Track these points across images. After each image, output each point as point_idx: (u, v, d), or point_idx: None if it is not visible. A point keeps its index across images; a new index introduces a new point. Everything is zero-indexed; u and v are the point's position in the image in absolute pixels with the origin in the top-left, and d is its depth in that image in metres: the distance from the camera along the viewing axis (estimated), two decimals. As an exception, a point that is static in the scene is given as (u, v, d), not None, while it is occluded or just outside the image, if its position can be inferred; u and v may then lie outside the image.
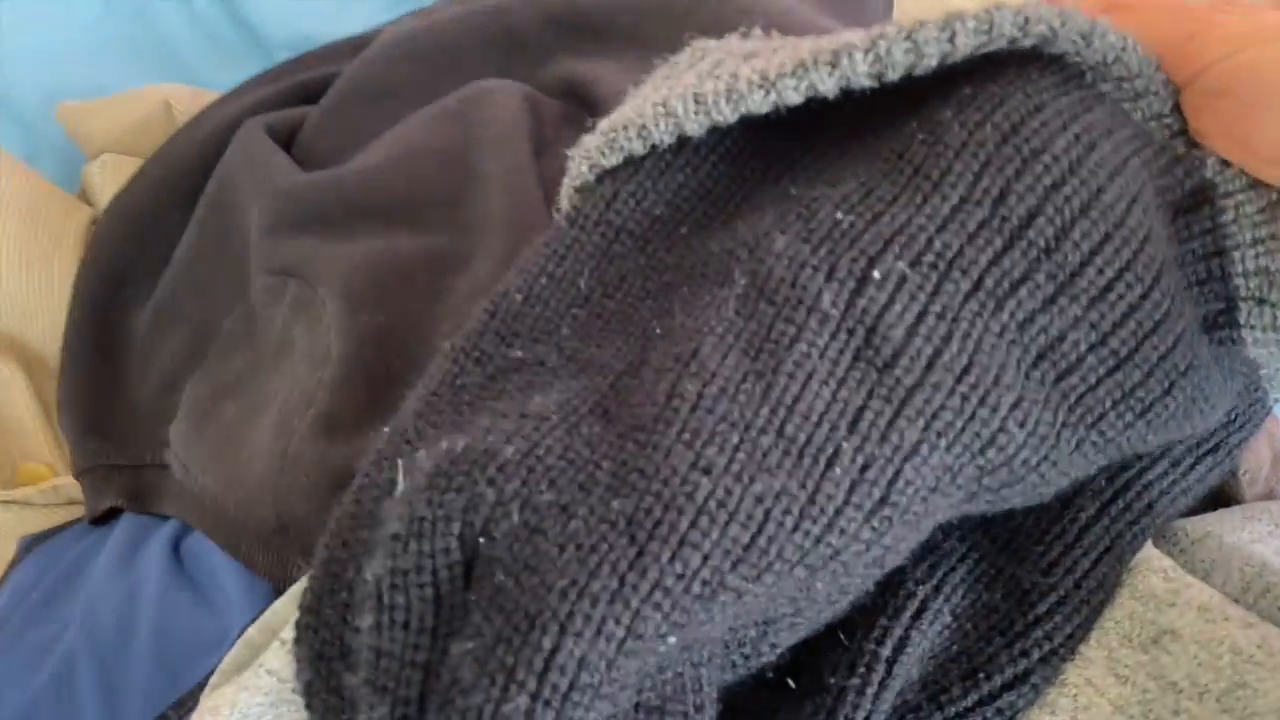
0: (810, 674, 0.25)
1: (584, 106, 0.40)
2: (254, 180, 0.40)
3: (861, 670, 0.24)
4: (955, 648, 0.26)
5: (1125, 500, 0.27)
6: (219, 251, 0.42)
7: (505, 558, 0.21)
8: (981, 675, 0.25)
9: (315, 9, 0.60)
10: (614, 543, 0.21)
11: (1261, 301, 0.24)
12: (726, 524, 0.20)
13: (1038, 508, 0.27)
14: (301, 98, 0.46)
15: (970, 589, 0.26)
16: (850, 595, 0.24)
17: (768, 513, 0.21)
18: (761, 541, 0.20)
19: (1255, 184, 0.24)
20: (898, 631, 0.25)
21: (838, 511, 0.21)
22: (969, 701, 0.25)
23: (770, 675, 0.25)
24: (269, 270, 0.38)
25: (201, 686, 0.35)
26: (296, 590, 0.31)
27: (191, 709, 0.35)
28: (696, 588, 0.20)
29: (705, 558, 0.20)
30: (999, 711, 0.25)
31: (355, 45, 0.49)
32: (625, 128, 0.27)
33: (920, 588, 0.25)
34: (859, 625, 0.25)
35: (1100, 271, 0.23)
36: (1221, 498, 0.32)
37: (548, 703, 0.19)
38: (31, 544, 0.44)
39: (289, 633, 0.27)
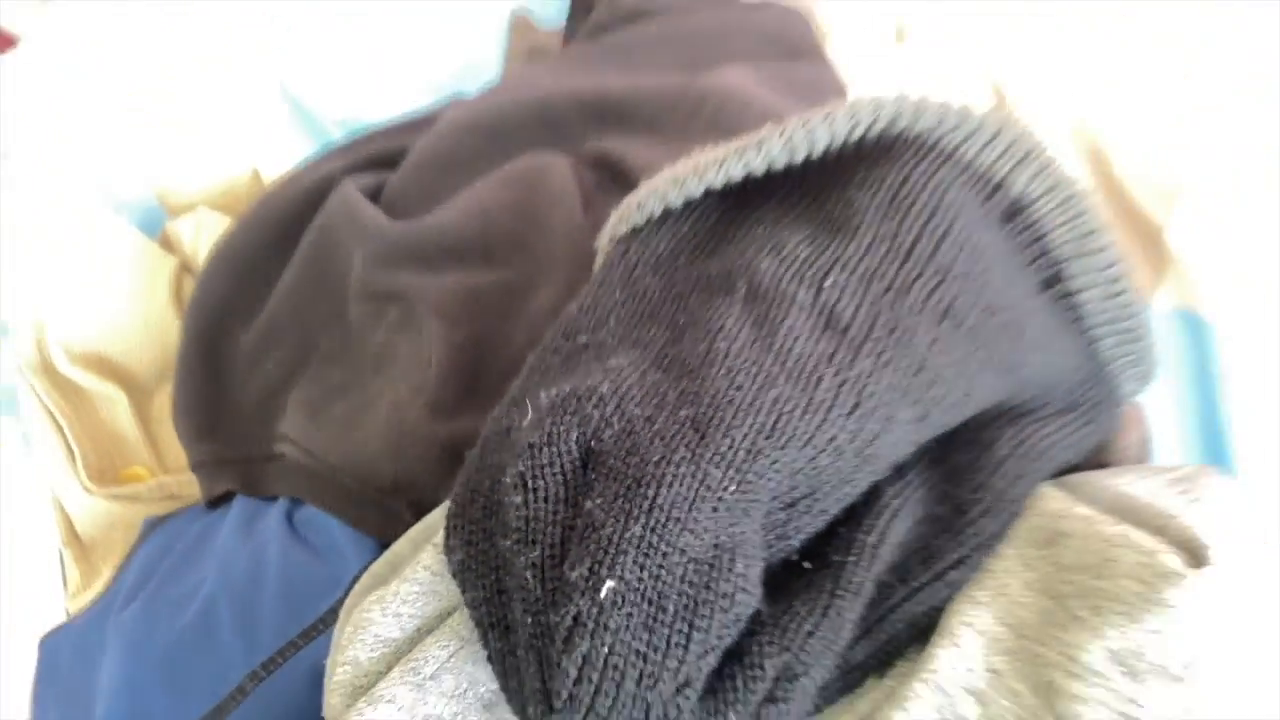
0: (819, 558, 0.36)
1: (614, 176, 0.52)
2: (354, 228, 0.51)
3: (855, 552, 0.35)
4: (915, 543, 0.37)
5: (1026, 446, 0.39)
6: (318, 286, 0.52)
7: (612, 450, 0.32)
8: (934, 560, 0.36)
9: (359, 94, 0.71)
10: (685, 433, 0.32)
11: (1077, 256, 0.37)
12: (755, 415, 0.32)
13: (969, 450, 0.38)
14: (377, 165, 0.57)
15: (924, 504, 0.37)
16: (849, 488, 0.35)
17: (780, 408, 0.32)
18: (780, 424, 0.32)
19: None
20: (879, 528, 0.36)
21: (828, 409, 0.33)
22: (926, 578, 0.36)
23: (794, 559, 0.36)
24: (370, 298, 0.49)
25: (323, 619, 0.45)
26: (431, 518, 0.41)
27: (315, 637, 0.45)
28: (742, 453, 0.32)
29: (745, 434, 0.32)
30: (947, 584, 0.36)
31: (415, 125, 0.61)
32: (639, 205, 0.40)
33: (893, 501, 0.37)
34: (854, 524, 0.36)
35: (965, 268, 0.36)
36: (1101, 469, 0.44)
37: (654, 529, 0.30)
38: (155, 524, 0.53)
39: (439, 538, 0.37)
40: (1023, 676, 0.35)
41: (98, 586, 0.53)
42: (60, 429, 0.57)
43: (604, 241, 0.42)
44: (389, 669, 0.37)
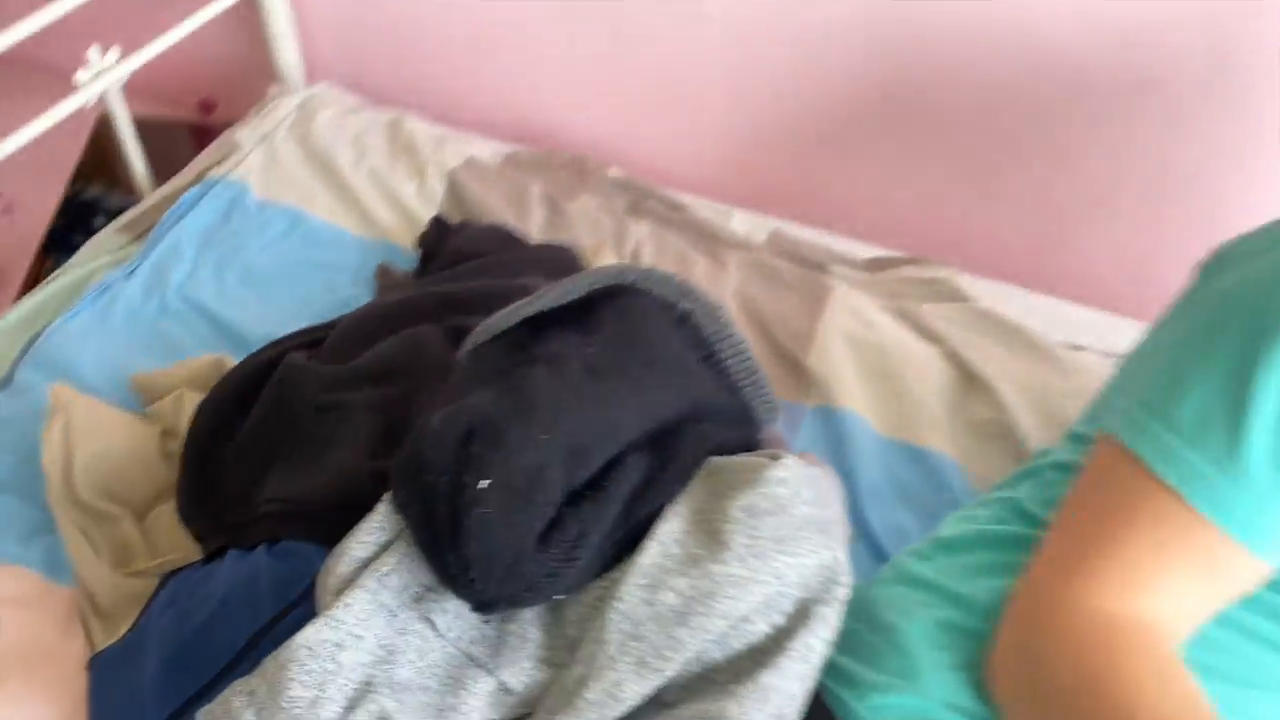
0: (595, 488, 0.68)
1: (460, 337, 0.86)
2: (305, 375, 0.83)
3: (612, 482, 0.68)
4: (643, 481, 0.70)
5: (702, 437, 0.74)
6: (279, 416, 0.83)
7: (480, 425, 0.65)
8: (653, 488, 0.70)
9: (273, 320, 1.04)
10: (518, 415, 0.65)
11: (719, 340, 0.74)
12: (552, 408, 0.66)
13: (673, 437, 0.73)
14: (304, 346, 0.90)
15: (648, 462, 0.71)
16: (606, 450, 0.68)
17: (565, 405, 0.66)
18: (566, 411, 0.66)
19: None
20: (624, 474, 0.69)
21: (589, 407, 0.67)
22: (651, 496, 0.69)
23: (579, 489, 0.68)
24: (320, 409, 0.81)
25: (306, 589, 0.73)
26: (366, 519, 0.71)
27: (301, 602, 0.73)
28: (548, 421, 0.65)
29: (549, 415, 0.65)
30: (662, 498, 0.69)
31: (323, 326, 0.94)
32: (484, 330, 0.75)
33: (630, 458, 0.70)
34: (610, 471, 0.69)
35: (657, 345, 0.72)
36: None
37: (509, 455, 0.63)
38: (168, 577, 0.79)
39: (388, 495, 0.68)
40: (701, 531, 0.68)
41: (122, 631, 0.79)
42: (88, 538, 0.83)
43: (462, 354, 0.76)
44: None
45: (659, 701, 0.66)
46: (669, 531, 0.68)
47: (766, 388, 0.80)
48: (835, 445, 0.98)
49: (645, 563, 0.67)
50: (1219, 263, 0.71)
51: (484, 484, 0.63)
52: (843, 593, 0.68)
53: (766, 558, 0.65)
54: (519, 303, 0.77)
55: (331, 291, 1.10)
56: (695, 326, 0.78)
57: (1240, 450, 0.60)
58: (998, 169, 1.20)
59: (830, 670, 0.72)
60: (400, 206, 1.20)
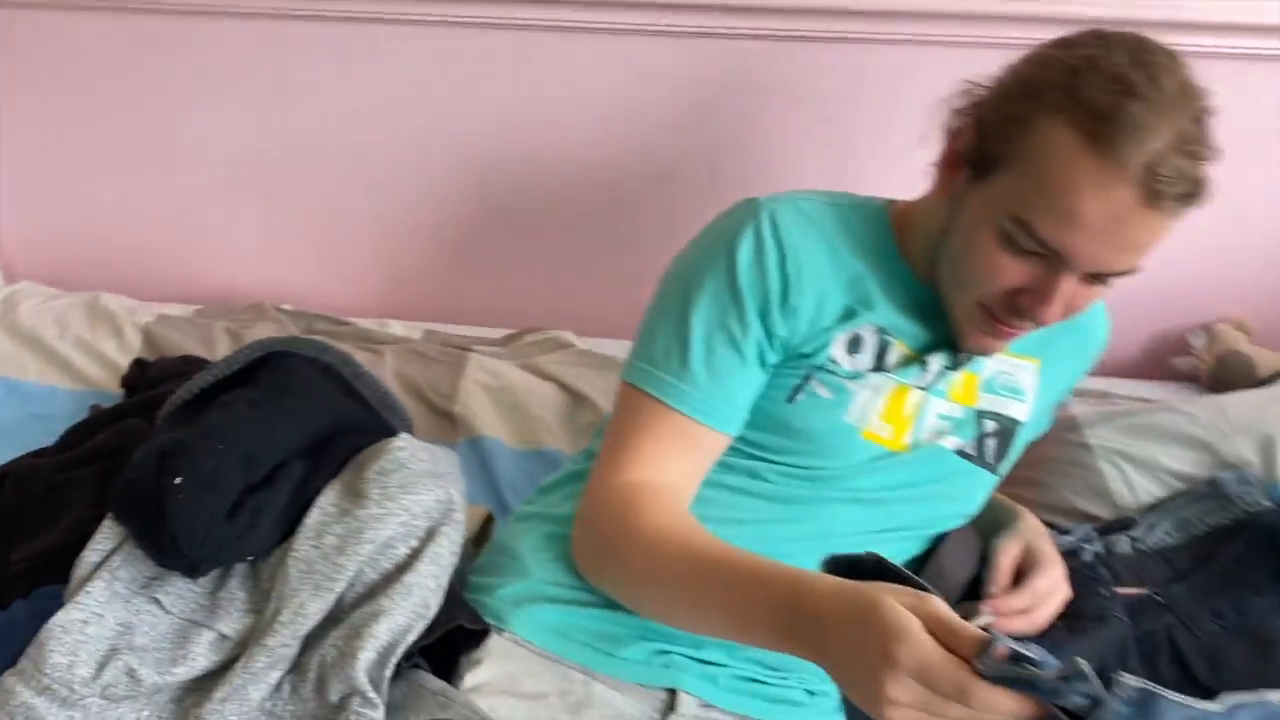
0: (267, 483, 0.95)
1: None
2: (33, 466, 1.05)
3: (282, 480, 0.95)
4: (302, 481, 0.98)
5: (346, 444, 1.02)
6: (16, 500, 1.05)
7: (175, 449, 0.92)
8: (311, 484, 0.97)
9: None
10: (194, 435, 0.92)
11: (354, 379, 1.04)
12: (230, 428, 0.93)
13: (320, 449, 1.01)
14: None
15: (302, 469, 0.99)
16: (274, 455, 0.96)
17: (244, 420, 0.94)
18: (243, 426, 0.94)
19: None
20: (288, 474, 0.96)
21: (264, 420, 0.95)
22: (308, 495, 0.97)
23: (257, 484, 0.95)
24: (50, 487, 1.03)
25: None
26: (105, 524, 0.94)
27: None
28: (227, 439, 0.93)
29: (229, 431, 0.93)
30: (316, 492, 0.97)
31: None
32: (172, 401, 1.02)
33: (294, 462, 0.98)
34: (277, 472, 0.96)
35: (305, 392, 1.02)
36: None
37: (198, 459, 0.90)
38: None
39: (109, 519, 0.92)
40: (349, 493, 0.95)
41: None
42: None
43: (161, 416, 1.02)
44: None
45: (336, 618, 0.92)
46: (326, 500, 0.96)
47: (399, 407, 1.11)
48: (482, 462, 1.29)
49: (310, 522, 0.94)
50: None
51: (178, 480, 0.89)
52: (458, 516, 0.98)
53: (396, 499, 0.95)
54: (199, 374, 1.04)
55: (53, 436, 1.31)
56: (336, 372, 1.08)
57: (688, 364, 0.95)
58: (587, 251, 1.59)
59: (473, 588, 1.02)
60: (104, 360, 1.43)
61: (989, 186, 0.91)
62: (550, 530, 1.03)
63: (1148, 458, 1.22)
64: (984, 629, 0.64)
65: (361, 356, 1.40)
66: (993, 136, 0.90)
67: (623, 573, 0.93)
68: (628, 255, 1.57)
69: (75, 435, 1.12)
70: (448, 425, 1.34)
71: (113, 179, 1.61)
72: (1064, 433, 1.28)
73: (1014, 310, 0.93)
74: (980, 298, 0.94)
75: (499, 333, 1.56)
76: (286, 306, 1.57)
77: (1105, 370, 1.55)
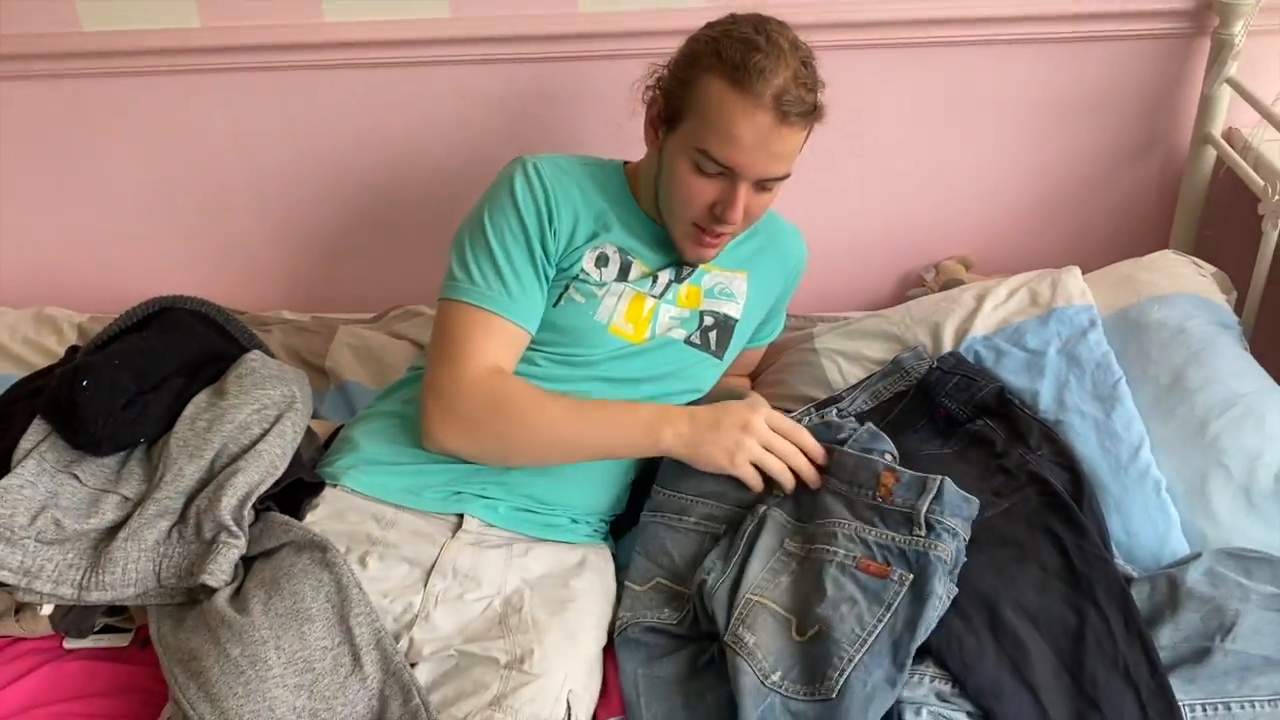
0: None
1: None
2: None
3: (164, 385, 1.30)
4: (183, 386, 1.32)
5: (216, 365, 1.37)
6: None
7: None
8: (190, 388, 1.32)
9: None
10: (99, 358, 1.27)
11: (226, 321, 1.40)
12: (125, 353, 1.29)
13: (197, 368, 1.36)
14: None
15: (183, 379, 1.34)
16: (166, 366, 1.31)
17: (136, 348, 1.29)
18: (135, 352, 1.29)
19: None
20: (173, 381, 1.31)
21: (152, 347, 1.30)
22: (189, 396, 1.32)
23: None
24: (-3, 419, 1.38)
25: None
26: (35, 422, 1.28)
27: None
28: (128, 353, 1.28)
29: (124, 354, 1.28)
30: (193, 394, 1.32)
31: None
32: (82, 351, 1.38)
33: (174, 378, 1.32)
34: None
35: (182, 327, 1.37)
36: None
37: (101, 366, 1.25)
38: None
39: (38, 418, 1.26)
40: (215, 393, 1.30)
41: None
42: None
43: (79, 355, 1.37)
44: (32, 460, 1.24)
45: (208, 480, 1.25)
46: (199, 398, 1.31)
47: (259, 342, 1.46)
48: (347, 400, 1.64)
49: (186, 413, 1.29)
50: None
51: (85, 383, 1.23)
52: (299, 406, 1.32)
53: (249, 392, 1.30)
54: (108, 325, 1.39)
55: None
56: (211, 319, 1.43)
57: (502, 279, 1.30)
58: (438, 241, 1.95)
59: (321, 464, 1.36)
60: (46, 350, 1.77)
61: (678, 134, 1.29)
62: (380, 423, 1.38)
63: (855, 351, 1.58)
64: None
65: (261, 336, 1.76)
66: (673, 97, 1.29)
67: (508, 428, 1.26)
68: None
69: (18, 385, 1.46)
70: (321, 377, 1.69)
71: (53, 215, 1.97)
72: (800, 343, 1.65)
73: (714, 219, 1.30)
74: (691, 218, 1.32)
75: (372, 315, 1.92)
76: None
77: (862, 305, 1.94)
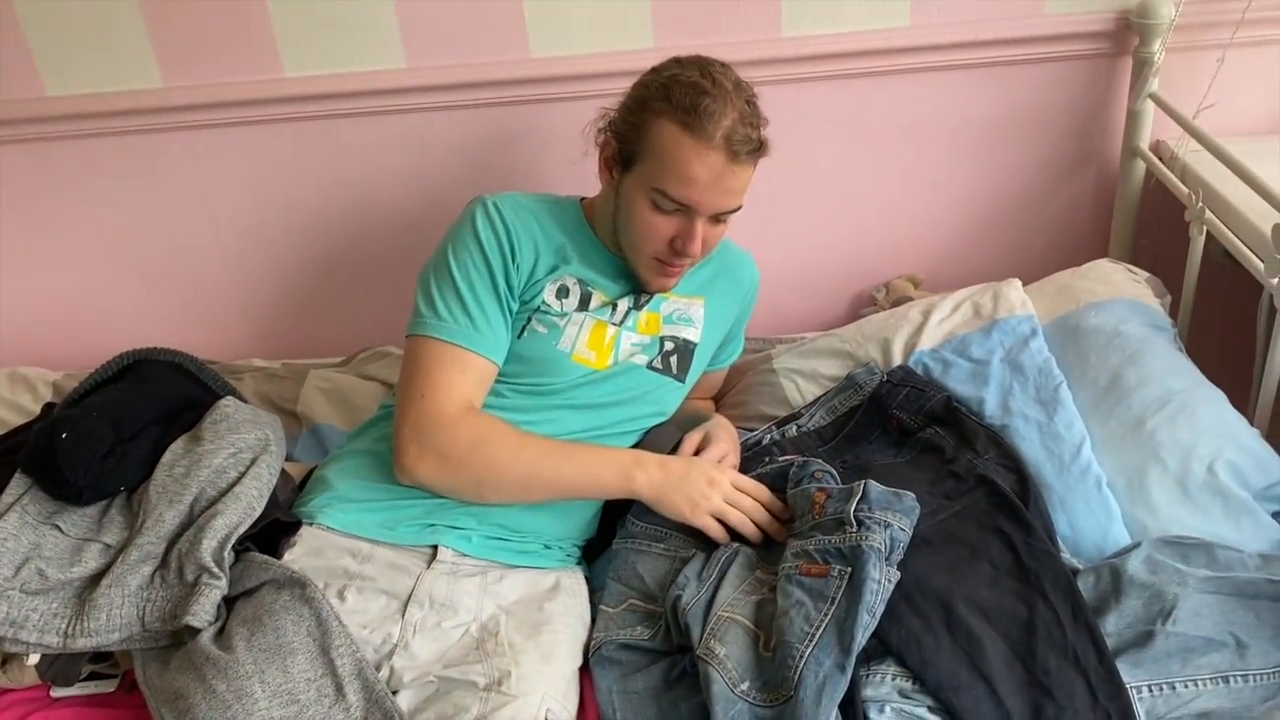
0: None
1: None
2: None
3: (144, 434, 1.34)
4: (161, 435, 1.36)
5: (193, 411, 1.41)
6: None
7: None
8: (168, 437, 1.36)
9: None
10: (77, 411, 1.31)
11: (200, 371, 1.44)
12: (103, 404, 1.33)
13: (174, 417, 1.40)
14: None
15: (160, 428, 1.37)
16: (143, 417, 1.35)
17: (112, 400, 1.33)
18: (111, 404, 1.33)
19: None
20: (151, 431, 1.35)
21: (128, 399, 1.34)
22: (166, 444, 1.36)
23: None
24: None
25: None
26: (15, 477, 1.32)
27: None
28: (105, 406, 1.32)
29: (102, 406, 1.32)
30: (170, 441, 1.36)
31: None
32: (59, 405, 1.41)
33: (151, 426, 1.36)
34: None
35: (156, 378, 1.41)
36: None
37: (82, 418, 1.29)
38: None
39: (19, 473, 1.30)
40: (191, 439, 1.34)
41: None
42: None
43: (56, 409, 1.41)
44: (13, 513, 1.27)
45: (188, 524, 1.29)
46: (175, 445, 1.35)
47: (232, 389, 1.50)
48: (319, 442, 1.68)
49: (164, 460, 1.33)
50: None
51: (64, 435, 1.27)
52: (273, 448, 1.37)
53: (224, 437, 1.34)
54: (80, 382, 1.43)
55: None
56: (185, 368, 1.47)
57: (470, 315, 1.35)
58: (402, 283, 2.00)
59: (296, 504, 1.40)
60: (22, 409, 1.80)
61: (634, 174, 1.35)
62: (352, 461, 1.42)
63: (812, 370, 1.64)
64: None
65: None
66: (626, 140, 1.35)
67: (487, 467, 1.31)
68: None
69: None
70: (294, 422, 1.73)
71: (23, 276, 2.01)
72: (760, 365, 1.71)
73: (674, 253, 1.37)
74: (653, 252, 1.38)
75: (341, 358, 1.97)
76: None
77: (817, 325, 2.00)
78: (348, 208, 1.96)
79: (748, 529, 1.31)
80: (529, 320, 1.41)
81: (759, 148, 1.32)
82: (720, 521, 1.31)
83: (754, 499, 1.33)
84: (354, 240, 1.98)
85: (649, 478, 1.32)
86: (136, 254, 1.99)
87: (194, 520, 1.29)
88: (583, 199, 1.54)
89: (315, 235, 1.98)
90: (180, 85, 1.85)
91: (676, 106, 1.28)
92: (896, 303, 1.88)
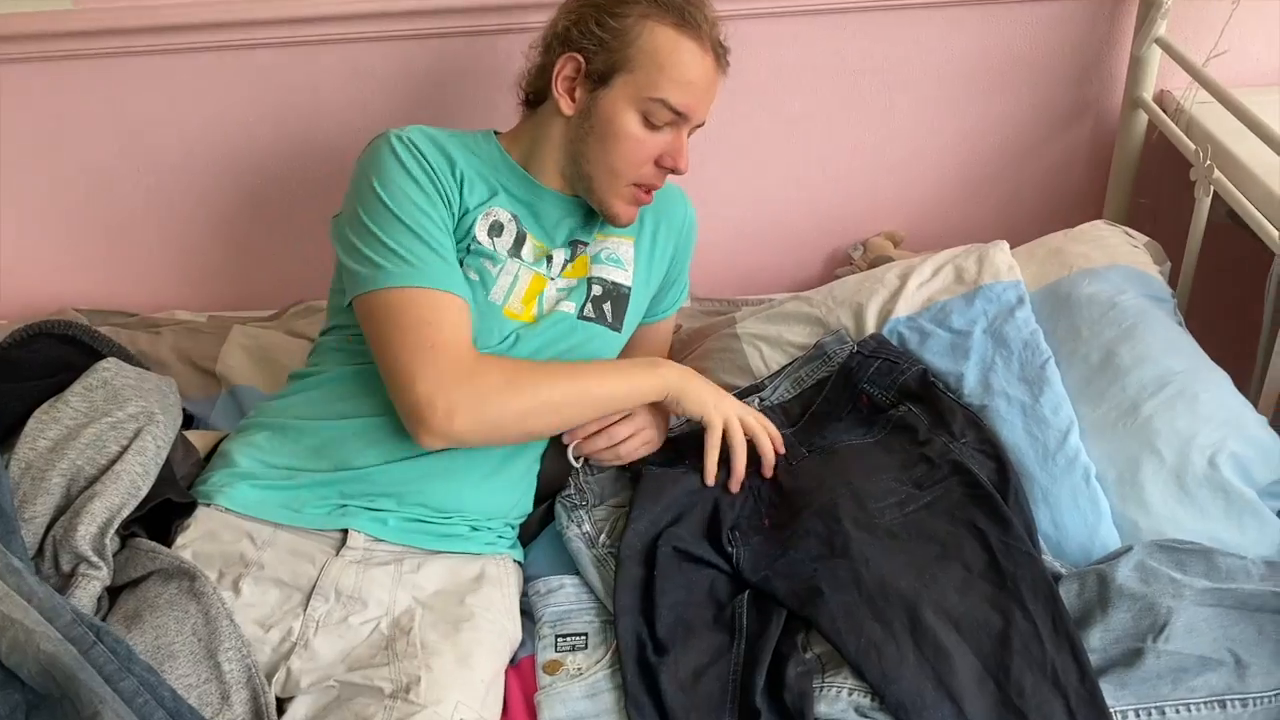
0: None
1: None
2: None
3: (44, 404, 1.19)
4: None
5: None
6: None
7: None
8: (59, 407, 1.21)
9: None
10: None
11: (97, 341, 1.29)
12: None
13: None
14: None
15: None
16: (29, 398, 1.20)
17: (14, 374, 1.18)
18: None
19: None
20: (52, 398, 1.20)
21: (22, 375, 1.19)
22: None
23: None
24: None
25: None
26: None
27: None
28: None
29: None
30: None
31: None
32: None
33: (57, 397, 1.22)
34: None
35: (63, 346, 1.26)
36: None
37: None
38: None
39: None
40: (69, 407, 1.19)
41: None
42: None
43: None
44: None
45: (64, 508, 1.14)
46: (40, 412, 1.19)
47: (128, 353, 1.35)
48: (238, 405, 1.53)
49: (29, 430, 1.17)
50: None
51: None
52: (160, 418, 1.22)
53: (102, 407, 1.19)
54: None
55: None
56: (78, 339, 1.32)
57: (421, 246, 1.17)
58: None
59: (196, 482, 1.25)
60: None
61: (613, 89, 1.20)
62: (257, 434, 1.27)
63: (777, 336, 1.50)
64: None
65: (143, 338, 1.65)
66: (601, 53, 1.19)
67: (531, 391, 1.17)
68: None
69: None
70: (212, 381, 1.58)
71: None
72: (722, 328, 1.56)
73: (659, 173, 1.26)
74: (635, 176, 1.24)
75: (271, 311, 1.81)
76: (83, 308, 1.80)
77: (788, 286, 1.85)
78: (281, 146, 1.79)
79: (761, 440, 1.28)
80: (459, 263, 1.25)
81: (728, 62, 1.27)
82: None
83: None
84: (287, 181, 1.81)
85: (675, 370, 1.28)
86: (50, 194, 1.82)
87: (71, 503, 1.15)
88: (496, 132, 1.36)
89: (244, 174, 1.81)
90: (94, 7, 1.67)
91: (666, 8, 1.19)
92: (875, 263, 1.74)
